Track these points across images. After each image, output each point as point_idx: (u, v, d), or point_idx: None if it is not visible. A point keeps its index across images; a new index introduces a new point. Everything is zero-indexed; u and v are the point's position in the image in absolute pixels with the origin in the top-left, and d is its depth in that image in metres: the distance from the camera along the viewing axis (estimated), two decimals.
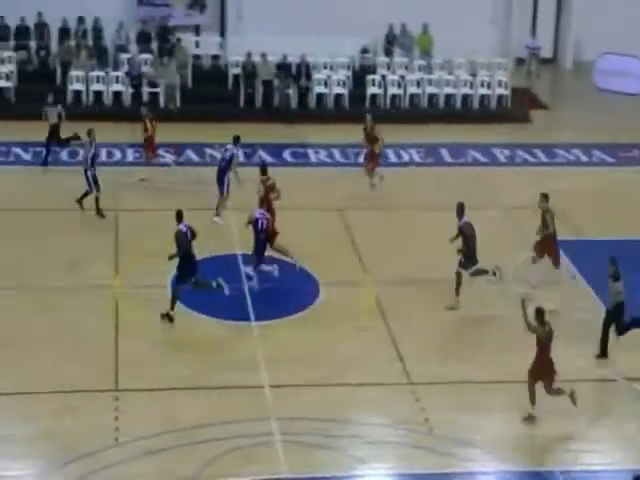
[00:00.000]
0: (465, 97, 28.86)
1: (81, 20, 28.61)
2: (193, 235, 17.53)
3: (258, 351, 16.90)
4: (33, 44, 28.33)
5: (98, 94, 27.21)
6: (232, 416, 15.11)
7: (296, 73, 28.18)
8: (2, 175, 23.19)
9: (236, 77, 28.26)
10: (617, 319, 16.88)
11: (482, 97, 28.90)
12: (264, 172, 20.04)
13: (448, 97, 28.78)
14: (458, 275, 18.09)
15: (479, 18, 30.13)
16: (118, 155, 24.53)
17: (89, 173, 20.92)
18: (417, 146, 26.22)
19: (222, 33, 29.80)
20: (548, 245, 18.69)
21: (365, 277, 19.38)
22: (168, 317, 17.46)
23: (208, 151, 25.00)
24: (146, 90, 27.36)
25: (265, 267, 18.66)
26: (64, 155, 24.20)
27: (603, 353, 16.92)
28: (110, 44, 28.69)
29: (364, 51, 29.54)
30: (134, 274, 19.00)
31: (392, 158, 25.51)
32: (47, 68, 28.08)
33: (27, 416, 15.01)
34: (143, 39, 28.91)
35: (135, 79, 27.42)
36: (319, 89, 28.15)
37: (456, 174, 24.70)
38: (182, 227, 17.50)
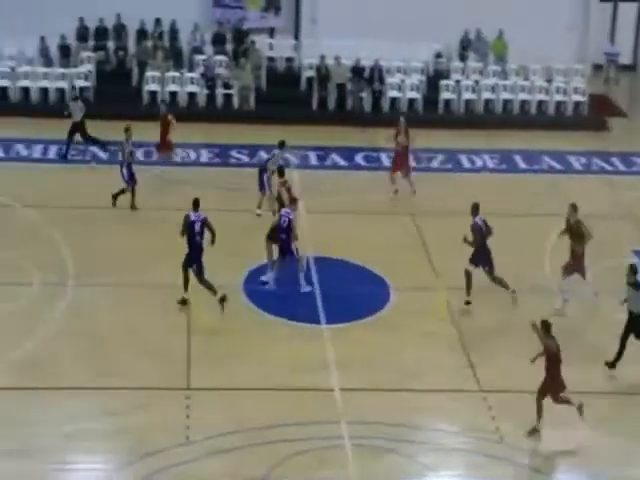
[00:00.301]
0: (540, 103, 28.55)
1: (158, 22, 28.93)
2: (203, 227, 17.65)
3: (328, 354, 16.91)
4: (111, 45, 28.74)
5: (173, 95, 27.48)
6: (302, 418, 15.14)
7: (370, 77, 28.15)
8: (79, 173, 23.52)
9: (309, 80, 28.34)
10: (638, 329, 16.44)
11: (558, 104, 28.56)
12: (281, 174, 20.05)
13: (523, 103, 28.49)
14: (467, 274, 18.06)
15: (556, 24, 29.73)
16: (193, 156, 24.74)
17: (124, 170, 21.20)
18: (491, 152, 26.00)
19: (296, 36, 29.89)
20: (579, 258, 18.18)
21: (436, 282, 19.26)
22: (183, 301, 17.70)
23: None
24: (220, 91, 27.57)
25: (267, 276, 18.66)
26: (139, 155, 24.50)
27: (613, 364, 16.50)
28: (186, 46, 28.97)
29: (438, 56, 29.40)
30: (208, 272, 19.09)
31: (465, 164, 25.35)
32: (124, 69, 28.46)
33: (103, 411, 15.21)
34: (218, 41, 29.14)
35: (210, 80, 27.65)
36: (392, 93, 28.09)
37: (530, 181, 24.43)
38: (191, 215, 17.69)
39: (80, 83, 27.23)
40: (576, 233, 18.07)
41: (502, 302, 18.32)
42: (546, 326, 14.86)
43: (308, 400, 15.64)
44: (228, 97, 27.61)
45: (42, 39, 27.86)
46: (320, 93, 27.81)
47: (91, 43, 28.56)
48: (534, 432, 14.95)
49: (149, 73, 27.50)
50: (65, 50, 28.00)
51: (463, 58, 29.43)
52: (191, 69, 28.16)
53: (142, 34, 28.73)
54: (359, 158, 25.30)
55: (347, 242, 20.41)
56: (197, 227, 17.69)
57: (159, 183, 22.79)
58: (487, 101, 28.40)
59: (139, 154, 24.48)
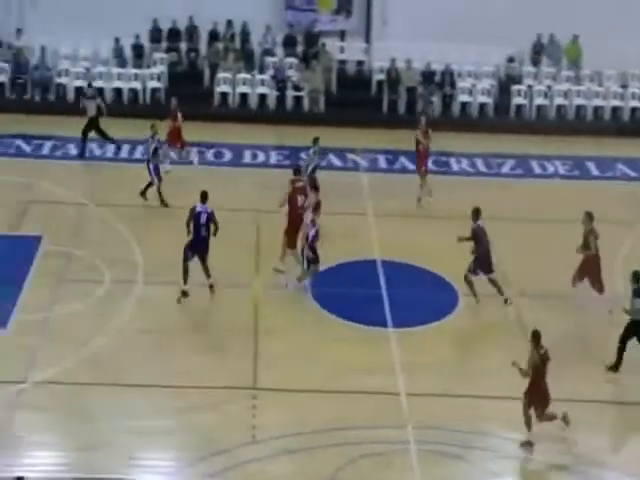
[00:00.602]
0: (615, 109, 28.11)
1: (230, 24, 29.14)
2: (209, 220, 17.79)
3: (394, 357, 16.86)
4: (184, 46, 29.02)
5: (244, 96, 27.65)
6: (368, 421, 15.11)
7: (440, 81, 28.01)
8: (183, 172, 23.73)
9: (380, 83, 28.31)
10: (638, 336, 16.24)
11: (633, 110, 28.08)
12: (296, 173, 19.94)
13: (597, 109, 28.10)
14: (468, 281, 17.97)
15: (632, 28, 29.22)
16: (262, 157, 24.87)
17: (151, 165, 21.39)
18: (563, 158, 25.69)
19: (367, 39, 29.85)
20: (589, 267, 17.95)
21: (505, 289, 19.07)
22: (183, 293, 17.90)
23: (350, 156, 25.08)
24: (291, 94, 27.67)
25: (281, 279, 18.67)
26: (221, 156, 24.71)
27: (615, 367, 16.32)
28: (257, 47, 29.13)
29: (510, 60, 29.12)
30: (274, 274, 19.20)
31: (536, 170, 25.09)
32: (196, 70, 28.72)
33: (170, 409, 15.35)
34: (289, 43, 29.26)
35: (280, 83, 27.78)
36: (463, 97, 27.92)
37: (603, 188, 24.07)
38: (198, 206, 17.91)
39: (153, 84, 27.54)
40: (584, 241, 17.98)
41: (573, 310, 18.07)
42: (536, 336, 14.64)
43: (374, 403, 15.60)
44: (298, 99, 27.70)
45: (116, 40, 28.26)
46: (390, 96, 27.75)
47: (164, 44, 28.88)
48: (527, 444, 14.63)
49: (220, 74, 27.71)
50: (138, 51, 28.36)
51: (536, 63, 29.11)
52: (262, 71, 28.32)
53: (214, 36, 28.96)
54: (428, 162, 25.11)
55: (415, 246, 20.34)
56: (203, 219, 17.92)
57: (230, 184, 22.90)
58: (559, 107, 28.06)
59: (209, 155, 24.76)
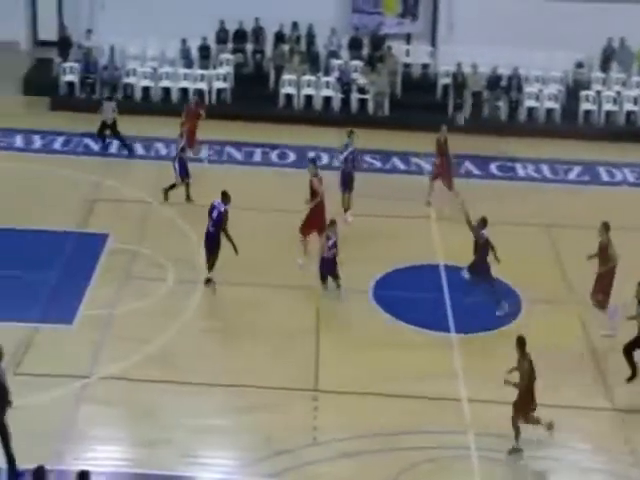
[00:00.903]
0: None
1: (295, 26, 29.22)
2: (220, 217, 18.16)
3: (456, 363, 16.75)
4: (249, 48, 29.17)
5: (309, 98, 27.71)
6: (429, 426, 15.04)
7: (507, 85, 27.76)
8: (213, 172, 23.91)
9: (445, 87, 28.15)
10: None
11: None
12: (313, 163, 20.27)
13: None
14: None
15: None
16: (325, 159, 24.89)
17: (177, 164, 21.53)
18: (632, 165, 25.27)
19: (433, 42, 29.72)
20: (606, 279, 17.68)
21: (569, 296, 18.85)
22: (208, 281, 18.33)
23: (414, 160, 24.99)
24: (355, 96, 27.66)
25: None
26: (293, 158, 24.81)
27: (633, 375, 16.15)
28: (322, 50, 29.17)
29: (579, 65, 28.73)
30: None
31: (604, 177, 24.74)
32: (261, 71, 28.84)
33: (232, 408, 15.44)
34: (355, 46, 29.23)
35: (345, 85, 27.77)
36: (530, 103, 27.62)
37: None
38: (215, 201, 18.36)
39: (218, 84, 27.73)
40: (601, 253, 17.68)
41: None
42: (521, 343, 14.56)
43: (435, 408, 15.52)
44: (363, 102, 27.66)
45: (183, 41, 28.50)
46: (456, 101, 27.58)
47: (230, 46, 29.05)
48: (515, 451, 14.52)
49: (285, 76, 27.80)
50: (205, 52, 28.56)
51: (605, 68, 28.69)
52: (327, 73, 28.34)
53: (280, 37, 29.06)
54: (493, 168, 24.98)
55: None
56: (214, 214, 18.22)
57: (293, 185, 22.91)
58: (629, 113, 27.62)
59: (273, 156, 24.84)
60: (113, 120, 24.15)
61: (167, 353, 16.63)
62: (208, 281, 18.51)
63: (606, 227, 17.82)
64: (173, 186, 21.65)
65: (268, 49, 29.12)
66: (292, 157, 24.76)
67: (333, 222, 18.59)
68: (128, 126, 24.72)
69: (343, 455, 14.46)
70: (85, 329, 17.30)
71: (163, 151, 24.66)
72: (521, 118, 27.56)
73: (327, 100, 27.76)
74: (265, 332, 17.44)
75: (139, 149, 24.76)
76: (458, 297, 18.47)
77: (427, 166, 24.42)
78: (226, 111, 26.87)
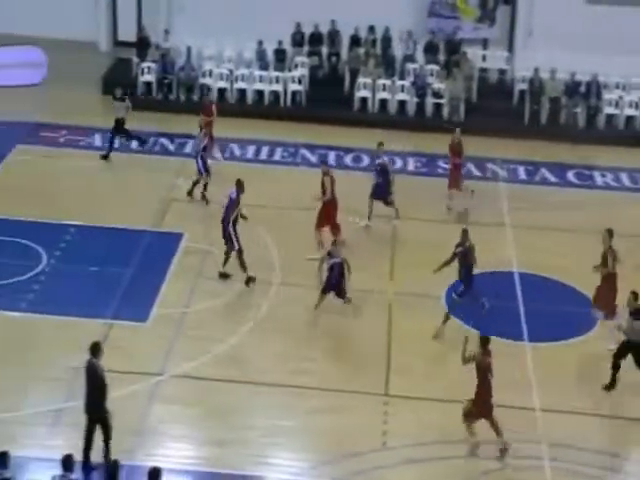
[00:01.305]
0: None
1: (371, 29, 29.16)
2: (230, 204, 18.52)
3: (530, 372, 16.54)
4: (325, 50, 29.21)
5: (383, 102, 27.63)
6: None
7: (585, 92, 27.33)
8: (288, 174, 24.01)
9: (522, 93, 27.83)
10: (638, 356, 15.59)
11: None
12: (323, 163, 20.49)
13: None
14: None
15: None
16: (399, 163, 24.80)
17: (200, 161, 21.57)
18: None
19: (510, 48, 29.41)
20: (609, 287, 17.29)
21: None
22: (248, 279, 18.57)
23: (489, 166, 24.76)
24: (430, 101, 27.50)
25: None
26: (347, 160, 24.78)
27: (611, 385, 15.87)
28: (398, 54, 29.07)
29: None
30: (408, 282, 19.11)
31: None
32: (337, 74, 28.84)
33: (301, 410, 15.46)
34: (430, 50, 29.08)
35: (420, 89, 27.63)
36: (609, 110, 27.16)
37: None
38: (231, 190, 18.68)
39: (294, 87, 27.82)
40: (603, 260, 17.36)
41: None
42: (483, 341, 14.44)
43: (507, 417, 15.25)
44: (438, 107, 27.49)
45: (259, 43, 28.64)
46: (532, 107, 27.24)
47: (306, 48, 29.12)
48: (504, 451, 14.37)
49: (361, 80, 27.75)
50: (281, 54, 28.67)
51: None
52: (402, 77, 28.23)
53: (355, 41, 29.01)
54: (570, 175, 24.62)
55: (553, 260, 19.91)
56: (226, 201, 18.56)
57: (367, 189, 22.86)
58: None
59: (347, 159, 24.83)
60: (123, 119, 23.94)
61: (239, 353, 16.71)
62: (248, 280, 18.61)
63: (610, 234, 17.57)
64: (197, 183, 21.77)
65: (343, 52, 29.11)
66: (366, 161, 24.70)
67: (335, 242, 18.06)
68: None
69: (412, 461, 14.38)
70: (159, 327, 17.49)
71: (237, 152, 24.81)
72: (600, 125, 27.12)
73: (402, 104, 27.66)
74: (336, 335, 17.43)
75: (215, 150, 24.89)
76: (532, 306, 18.25)
77: (502, 172, 24.22)
78: (300, 114, 26.93)
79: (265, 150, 25.08)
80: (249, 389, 15.92)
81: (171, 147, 24.93)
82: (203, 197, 21.84)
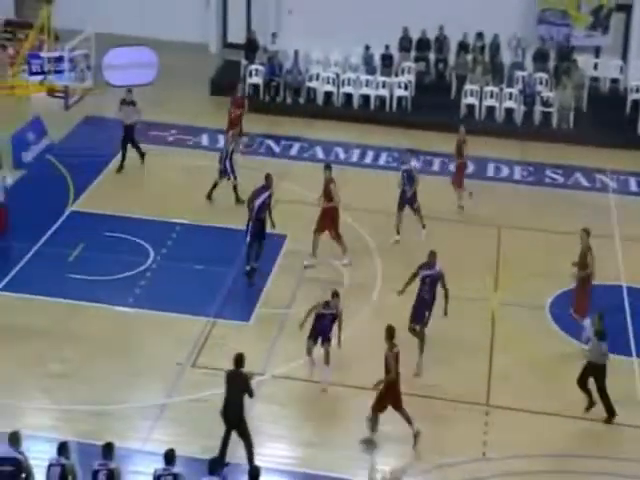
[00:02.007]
0: None
1: (480, 36, 28.89)
2: (263, 203, 18.67)
3: (638, 388, 16.10)
4: (432, 56, 29.05)
5: (490, 110, 27.32)
6: (601, 451, 14.54)
7: None
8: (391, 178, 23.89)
9: (635, 103, 27.16)
10: (599, 381, 15.10)
11: None
12: (328, 168, 19.89)
13: None
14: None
15: None
16: (505, 171, 24.48)
17: (227, 163, 21.42)
18: None
19: (624, 56, 28.76)
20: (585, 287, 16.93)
21: None
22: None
23: (598, 177, 24.24)
24: (539, 109, 27.07)
25: None
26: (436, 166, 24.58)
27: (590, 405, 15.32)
28: (506, 61, 28.71)
29: None
30: (514, 291, 18.84)
31: None
32: (443, 80, 28.67)
33: (397, 416, 15.33)
34: (540, 58, 28.64)
35: (528, 97, 27.22)
36: None
37: None
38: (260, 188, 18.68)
39: (400, 92, 27.73)
40: (580, 260, 17.04)
41: None
42: (389, 332, 14.44)
43: (612, 434, 14.98)
44: (546, 115, 27.05)
45: (366, 48, 28.64)
46: None
47: (413, 54, 29.00)
48: (417, 435, 14.58)
49: (467, 86, 27.51)
50: (387, 59, 28.60)
51: None
52: (510, 85, 27.87)
53: (463, 47, 28.79)
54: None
55: None
56: (258, 201, 18.53)
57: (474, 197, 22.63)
58: None
59: (452, 167, 24.59)
60: (133, 126, 23.08)
61: (339, 356, 16.68)
62: (252, 271, 18.73)
63: (587, 233, 17.31)
64: (235, 187, 21.68)
65: (451, 58, 28.93)
66: (471, 167, 24.43)
67: (335, 294, 16.27)
68: (309, 130, 25.03)
69: (512, 473, 14.16)
70: (261, 327, 17.62)
71: (342, 155, 24.85)
72: None
73: (509, 112, 27.30)
74: (437, 342, 17.25)
75: (319, 153, 24.98)
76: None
77: (613, 184, 23.70)
78: (406, 119, 26.84)
79: (370, 154, 25.07)
80: (349, 392, 15.90)
81: (277, 149, 25.11)
82: (237, 199, 21.51)
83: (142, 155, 23.21)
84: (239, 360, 14.17)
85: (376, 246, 20.29)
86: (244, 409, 14.06)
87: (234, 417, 14.04)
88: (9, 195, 20.58)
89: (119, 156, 23.11)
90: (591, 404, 15.51)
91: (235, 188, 21.64)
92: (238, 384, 14.03)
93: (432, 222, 20.96)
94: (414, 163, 21.36)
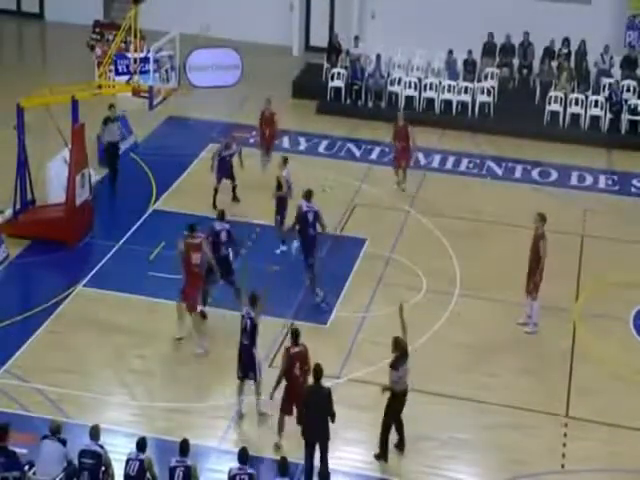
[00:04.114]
0: None
1: (566, 42, 28.45)
2: (315, 218, 17.98)
3: None
4: (516, 62, 28.70)
5: (575, 117, 26.88)
6: None
7: None
8: (473, 184, 23.71)
9: None
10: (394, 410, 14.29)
11: None
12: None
13: None
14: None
15: None
16: (589, 179, 24.07)
17: (215, 163, 21.54)
18: None
19: None
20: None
21: None
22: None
23: None
24: (626, 117, 26.54)
25: None
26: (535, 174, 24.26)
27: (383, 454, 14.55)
28: (593, 67, 28.22)
29: None
30: (595, 302, 18.50)
31: None
32: (527, 87, 28.30)
33: (477, 424, 15.22)
34: (628, 65, 28.09)
35: (615, 105, 26.71)
36: None
37: None
38: (303, 205, 18.12)
39: (482, 98, 27.45)
40: (533, 246, 16.81)
41: None
42: (293, 334, 14.45)
43: None
44: (634, 124, 26.49)
45: (450, 52, 28.43)
46: None
47: (497, 59, 28.70)
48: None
49: (552, 93, 27.11)
50: (470, 65, 28.36)
51: None
52: (596, 92, 27.39)
53: (548, 53, 28.39)
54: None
55: None
56: (310, 217, 17.96)
57: (556, 206, 22.28)
58: None
59: (534, 173, 24.26)
60: (118, 143, 22.60)
61: (417, 362, 16.49)
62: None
63: (542, 218, 16.97)
64: (234, 188, 21.82)
65: (536, 64, 28.55)
66: (554, 175, 24.10)
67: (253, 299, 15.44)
68: (389, 134, 24.90)
69: None
70: (338, 330, 17.59)
71: (422, 161, 24.66)
72: None
73: (595, 120, 26.82)
74: (518, 351, 17.05)
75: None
76: None
77: None
78: (488, 125, 26.58)
79: (451, 160, 24.87)
80: (426, 399, 15.75)
81: (357, 153, 25.07)
82: (214, 204, 21.36)
83: (115, 176, 22.36)
84: (318, 372, 13.72)
85: (454, 252, 20.11)
86: (329, 430, 13.79)
87: (314, 434, 13.79)
88: (95, 193, 20.95)
89: (201, 156, 23.31)
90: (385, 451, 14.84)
91: (235, 187, 21.93)
92: (318, 402, 13.69)
93: (513, 230, 20.75)
94: None
